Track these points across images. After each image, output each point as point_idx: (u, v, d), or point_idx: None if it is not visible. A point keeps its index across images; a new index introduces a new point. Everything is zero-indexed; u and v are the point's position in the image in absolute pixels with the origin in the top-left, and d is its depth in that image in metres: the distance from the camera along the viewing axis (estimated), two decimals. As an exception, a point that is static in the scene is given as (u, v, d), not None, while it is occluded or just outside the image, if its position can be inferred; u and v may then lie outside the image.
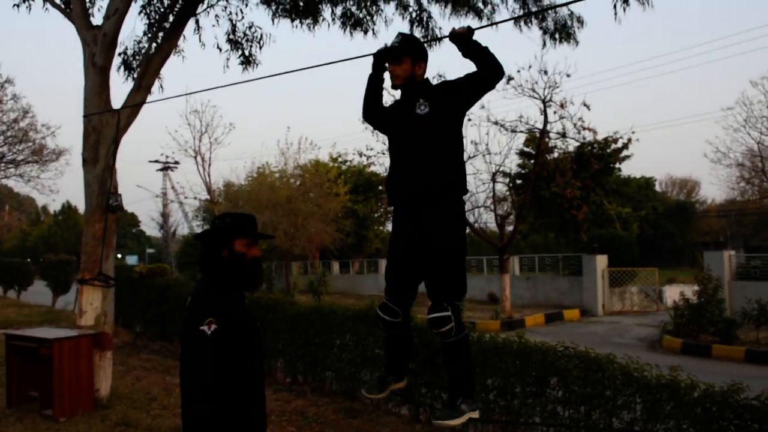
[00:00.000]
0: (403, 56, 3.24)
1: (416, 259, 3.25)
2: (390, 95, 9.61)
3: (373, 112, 3.50)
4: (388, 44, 3.36)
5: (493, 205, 19.14)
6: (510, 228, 19.35)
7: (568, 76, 16.82)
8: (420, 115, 3.18)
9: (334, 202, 28.17)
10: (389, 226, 38.70)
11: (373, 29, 8.49)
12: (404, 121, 3.27)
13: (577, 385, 5.00)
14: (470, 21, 7.82)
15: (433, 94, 3.24)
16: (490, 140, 27.21)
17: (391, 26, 8.24)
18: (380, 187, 34.25)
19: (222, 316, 2.36)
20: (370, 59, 3.48)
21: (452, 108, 3.22)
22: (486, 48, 3.14)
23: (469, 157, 18.39)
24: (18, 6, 8.01)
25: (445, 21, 9.54)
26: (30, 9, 8.11)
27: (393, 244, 3.40)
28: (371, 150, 19.86)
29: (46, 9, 7.87)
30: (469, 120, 18.02)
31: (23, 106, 23.68)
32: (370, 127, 18.33)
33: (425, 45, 3.40)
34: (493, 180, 18.82)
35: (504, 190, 21.64)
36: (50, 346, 6.18)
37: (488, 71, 3.12)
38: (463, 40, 3.14)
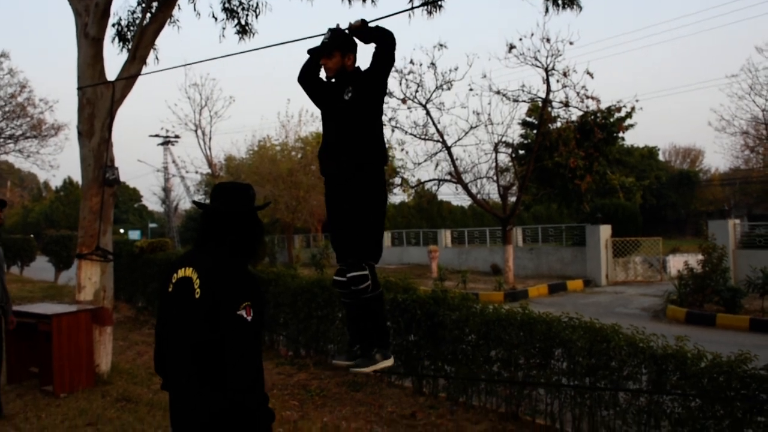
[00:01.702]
0: (333, 51, 3.56)
1: (347, 227, 3.61)
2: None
3: (308, 80, 3.80)
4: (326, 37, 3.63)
5: (495, 176, 19.02)
6: (513, 199, 19.25)
7: (571, 43, 16.59)
8: (346, 101, 3.56)
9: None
10: (392, 198, 38.72)
11: (371, -4, 8.30)
12: (333, 105, 3.65)
13: (582, 356, 4.95)
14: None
15: (358, 81, 3.59)
16: (492, 110, 27.07)
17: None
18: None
19: (255, 298, 2.25)
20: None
21: (371, 90, 3.59)
22: (376, 28, 3.51)
23: (471, 127, 18.25)
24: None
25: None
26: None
27: (327, 212, 3.77)
28: (372, 121, 19.60)
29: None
30: (471, 90, 17.88)
31: (20, 80, 23.44)
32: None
33: (352, 38, 3.63)
34: (496, 150, 18.68)
35: (506, 161, 21.43)
36: (49, 322, 6.14)
37: (384, 46, 3.49)
38: (360, 30, 3.51)
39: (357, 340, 3.78)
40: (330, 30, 3.60)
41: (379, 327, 3.64)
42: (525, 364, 5.45)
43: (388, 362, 3.57)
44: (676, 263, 19.88)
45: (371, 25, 3.54)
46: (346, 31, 3.57)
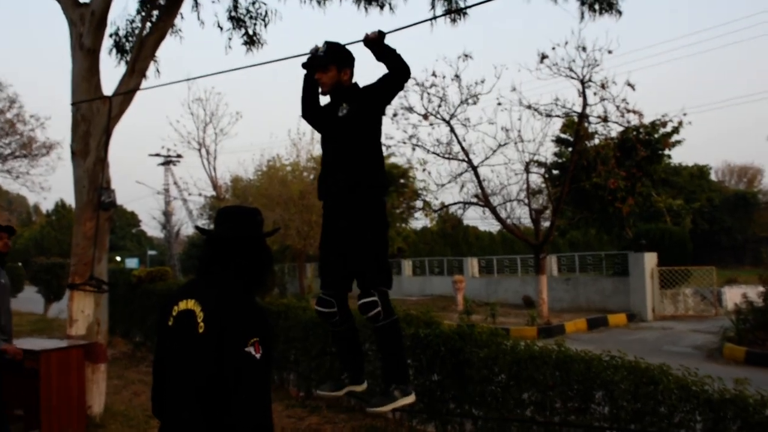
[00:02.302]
0: (329, 65, 3.67)
1: (343, 253, 3.70)
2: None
3: (310, 111, 3.94)
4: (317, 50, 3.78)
5: (527, 199, 18.94)
6: (546, 224, 19.16)
7: (610, 52, 16.54)
8: (340, 117, 3.68)
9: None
10: (413, 223, 38.76)
11: (390, 3, 8.41)
12: (329, 123, 3.79)
13: (626, 399, 4.86)
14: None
15: (355, 98, 3.70)
16: (523, 126, 27.07)
17: (409, 0, 8.14)
18: (401, 180, 34.20)
19: (264, 334, 2.25)
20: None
21: (370, 110, 3.70)
22: (394, 51, 3.58)
23: (500, 145, 18.24)
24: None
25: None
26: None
27: (322, 239, 3.86)
28: (391, 139, 19.79)
29: (30, -14, 7.85)
30: (499, 104, 17.90)
31: (9, 95, 23.89)
32: (389, 115, 18.21)
33: (350, 52, 3.75)
34: (527, 170, 18.61)
35: (539, 182, 21.37)
36: (37, 359, 6.15)
37: (396, 73, 3.60)
38: (376, 44, 3.57)
39: (347, 369, 3.92)
40: (326, 43, 3.71)
41: (396, 360, 3.66)
42: (561, 407, 5.36)
43: (409, 399, 3.58)
44: (732, 295, 19.57)
45: (395, 49, 3.60)
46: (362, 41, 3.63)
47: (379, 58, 3.61)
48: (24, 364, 6.27)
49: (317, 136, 23.31)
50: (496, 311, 17.69)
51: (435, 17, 7.53)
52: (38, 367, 6.15)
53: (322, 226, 3.89)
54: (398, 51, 3.61)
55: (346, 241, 3.66)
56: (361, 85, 3.84)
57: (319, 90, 3.84)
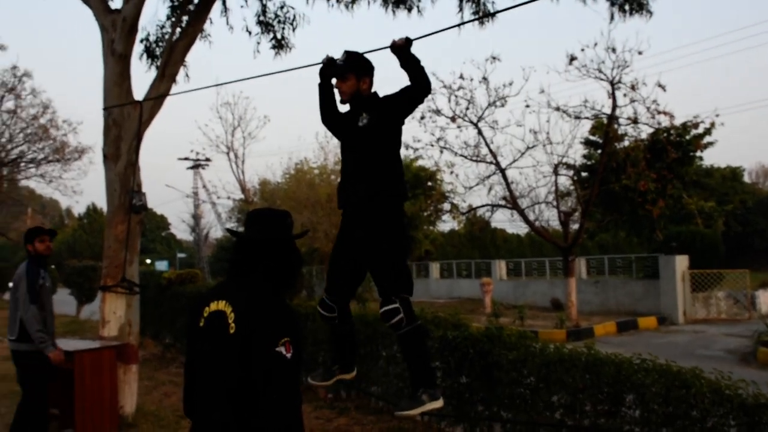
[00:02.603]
0: (348, 74, 3.71)
1: (356, 261, 3.79)
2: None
3: (329, 117, 4.00)
4: (332, 56, 3.86)
5: (555, 201, 18.81)
6: (575, 226, 18.99)
7: (640, 53, 16.36)
8: (360, 127, 3.71)
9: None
10: (440, 226, 38.68)
11: (417, 6, 8.42)
12: (348, 132, 3.83)
13: (657, 403, 4.80)
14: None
15: (374, 107, 3.73)
16: (551, 128, 26.81)
17: (437, 3, 8.13)
18: (429, 183, 34.12)
19: (294, 334, 2.26)
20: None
21: (389, 121, 3.72)
22: (419, 62, 3.61)
23: (528, 147, 18.15)
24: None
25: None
26: (46, -7, 8.26)
27: (335, 246, 3.93)
28: (418, 141, 19.70)
29: (63, -7, 7.99)
30: (528, 107, 17.81)
31: (43, 101, 24.30)
32: (416, 117, 18.21)
33: (369, 61, 3.80)
34: (556, 173, 18.49)
35: (568, 184, 21.19)
36: (71, 360, 6.25)
37: (417, 87, 3.63)
38: (402, 51, 3.59)
39: (338, 360, 4.02)
40: (345, 52, 3.76)
41: (422, 364, 3.66)
42: (591, 410, 5.31)
43: (437, 403, 3.59)
44: (766, 299, 19.27)
45: (419, 60, 3.63)
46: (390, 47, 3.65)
47: (403, 65, 3.63)
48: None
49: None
50: (524, 314, 17.59)
51: (463, 23, 7.52)
52: (72, 368, 6.25)
53: (338, 234, 3.94)
54: (422, 61, 3.63)
55: (363, 251, 3.71)
56: (381, 94, 3.87)
57: (338, 98, 3.89)
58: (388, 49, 3.68)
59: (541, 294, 24.10)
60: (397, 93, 3.71)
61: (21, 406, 5.85)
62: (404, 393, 6.92)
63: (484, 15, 7.94)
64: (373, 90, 3.84)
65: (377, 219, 3.66)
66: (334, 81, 3.87)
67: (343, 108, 3.96)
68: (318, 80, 3.98)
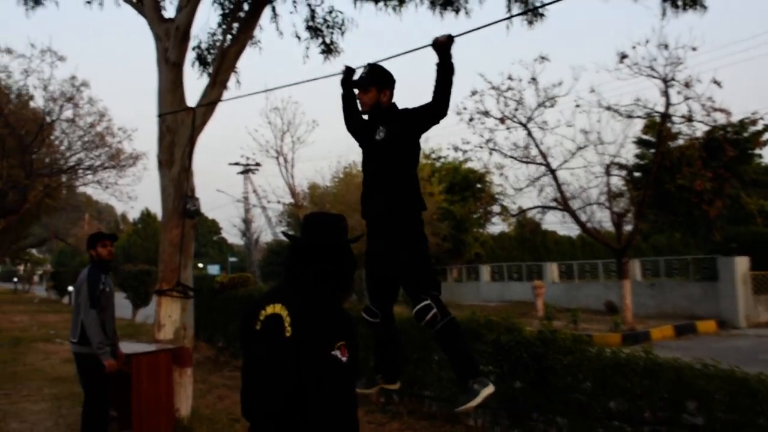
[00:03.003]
0: (369, 86, 3.82)
1: (387, 268, 3.85)
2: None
3: (353, 124, 4.10)
4: (350, 66, 4.04)
5: (608, 202, 18.51)
6: (629, 228, 18.64)
7: (694, 49, 16.01)
8: (377, 141, 3.80)
9: (428, 203, 27.94)
10: (490, 228, 38.42)
11: (465, 8, 8.37)
12: (367, 145, 3.95)
13: (721, 410, 4.67)
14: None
15: (393, 120, 3.81)
16: (603, 128, 26.44)
17: (485, 4, 8.05)
18: (478, 185, 33.93)
19: (350, 338, 2.26)
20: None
21: (406, 135, 3.80)
22: (452, 74, 3.65)
23: (579, 148, 17.90)
24: (90, 2, 8.37)
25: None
26: (102, 4, 8.46)
27: (367, 255, 3.99)
28: (467, 144, 19.65)
29: (118, 4, 8.20)
30: (578, 106, 17.58)
31: (99, 109, 24.89)
32: (465, 120, 18.15)
33: (390, 74, 3.88)
34: (608, 173, 18.21)
35: (620, 185, 20.88)
36: (128, 363, 6.37)
37: (436, 108, 3.69)
38: (443, 48, 3.62)
39: (381, 369, 4.08)
40: (368, 64, 3.88)
41: (464, 355, 3.72)
42: (651, 417, 5.20)
43: (489, 389, 3.59)
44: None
45: (454, 69, 3.68)
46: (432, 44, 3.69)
47: (439, 63, 3.66)
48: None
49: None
50: (577, 317, 17.33)
51: (511, 16, 7.45)
52: (130, 371, 6.37)
53: (366, 242, 4.01)
54: (457, 71, 3.67)
55: (385, 262, 3.82)
56: (401, 106, 3.94)
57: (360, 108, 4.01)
58: (430, 48, 3.69)
59: (595, 297, 23.71)
60: (416, 109, 3.79)
61: (85, 408, 5.98)
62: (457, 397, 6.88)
63: (531, 9, 7.85)
64: (393, 101, 3.92)
65: (396, 231, 3.77)
66: (356, 91, 3.98)
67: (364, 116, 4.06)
68: (341, 90, 4.11)
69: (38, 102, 22.77)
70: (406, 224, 3.81)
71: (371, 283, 4.02)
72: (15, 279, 59.40)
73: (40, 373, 10.65)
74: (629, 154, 28.50)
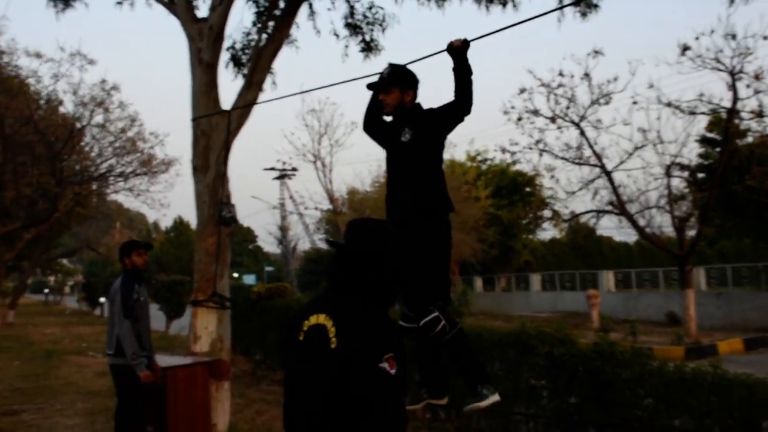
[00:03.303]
0: (391, 87, 3.92)
1: (409, 272, 3.81)
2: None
3: (371, 126, 4.18)
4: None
5: (668, 206, 18.23)
6: (692, 232, 18.33)
7: (765, 38, 15.69)
8: (403, 142, 3.89)
9: (473, 208, 27.98)
10: (540, 234, 38.13)
11: (513, 1, 8.35)
12: (392, 146, 4.03)
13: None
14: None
15: (417, 121, 3.90)
16: (663, 126, 26.07)
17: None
18: (527, 189, 33.71)
19: (398, 350, 2.26)
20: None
21: (431, 135, 3.89)
22: (470, 74, 3.77)
23: (636, 148, 17.69)
24: (120, 3, 8.57)
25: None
26: (133, 5, 8.66)
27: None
28: (516, 145, 19.61)
29: (149, 4, 8.38)
30: (635, 103, 17.36)
31: (130, 114, 25.37)
32: (513, 119, 18.08)
33: (413, 74, 3.99)
34: (668, 174, 17.95)
35: (682, 187, 20.55)
36: (164, 375, 6.47)
37: (459, 105, 3.78)
38: (458, 53, 3.74)
39: (426, 383, 4.05)
40: (390, 65, 3.99)
41: (473, 363, 3.89)
42: (719, 437, 5.10)
43: (496, 397, 3.76)
44: None
45: (471, 71, 3.79)
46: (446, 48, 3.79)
47: (456, 68, 3.77)
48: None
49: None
50: (636, 329, 17.08)
51: (563, 6, 7.42)
52: (165, 384, 6.46)
53: None
54: (473, 75, 3.78)
55: (409, 263, 3.80)
56: (425, 106, 4.01)
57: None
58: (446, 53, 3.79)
59: (655, 307, 23.34)
60: (439, 108, 3.88)
61: (118, 420, 6.09)
62: (508, 414, 6.86)
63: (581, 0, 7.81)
64: (417, 101, 4.01)
65: (421, 233, 3.81)
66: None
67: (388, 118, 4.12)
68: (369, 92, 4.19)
69: (68, 107, 23.35)
70: (433, 226, 3.86)
71: (404, 287, 3.99)
72: (46, 290, 60.85)
73: (73, 386, 10.89)
74: (692, 153, 28.05)
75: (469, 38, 3.76)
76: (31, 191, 21.08)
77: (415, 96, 3.99)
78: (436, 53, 3.92)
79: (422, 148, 3.88)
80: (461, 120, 3.87)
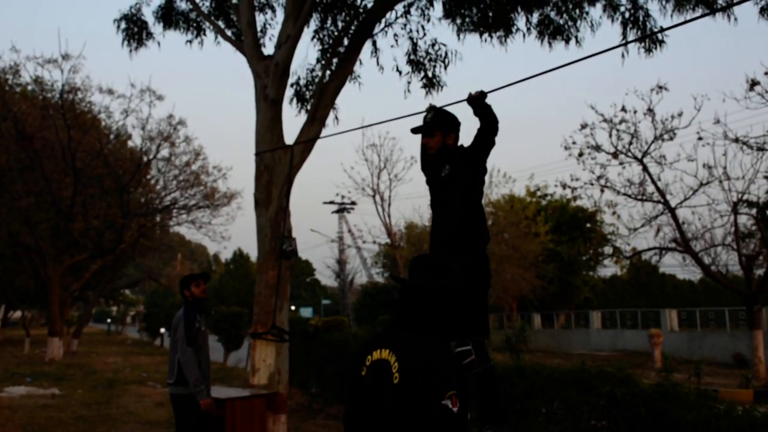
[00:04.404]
0: (435, 131, 4.10)
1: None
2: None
3: (426, 165, 4.34)
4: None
5: (735, 243, 17.78)
6: (760, 271, 17.81)
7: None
8: (443, 177, 4.10)
9: (533, 244, 27.73)
10: (601, 271, 37.49)
11: (576, 37, 8.38)
12: (434, 183, 4.22)
13: None
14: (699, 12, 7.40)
15: (456, 157, 4.10)
16: (729, 162, 25.46)
17: (598, 31, 8.01)
18: (587, 225, 33.26)
19: (461, 387, 2.24)
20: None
21: (467, 167, 4.06)
22: (490, 108, 4.02)
23: (702, 184, 17.34)
24: (191, 42, 8.87)
25: (666, 19, 9.03)
26: (202, 44, 8.95)
27: None
28: (576, 180, 19.36)
29: (218, 43, 8.67)
30: (700, 139, 17.07)
31: (195, 147, 26.03)
32: (574, 155, 17.96)
33: (454, 117, 4.15)
34: (735, 212, 17.54)
35: (750, 224, 19.99)
36: (222, 407, 6.54)
37: (486, 125, 4.00)
38: (477, 102, 4.00)
39: (487, 419, 4.02)
40: (432, 108, 4.18)
41: (491, 403, 3.91)
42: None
43: None
44: None
45: (491, 107, 4.03)
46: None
47: (476, 113, 4.02)
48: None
49: (495, 179, 23.49)
50: (701, 370, 16.58)
51: (626, 42, 7.39)
52: (223, 415, 6.53)
53: None
54: (493, 113, 4.01)
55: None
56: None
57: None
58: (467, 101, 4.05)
59: (721, 348, 22.64)
60: (472, 140, 4.07)
61: None
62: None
63: (649, 35, 7.76)
64: (460, 144, 4.17)
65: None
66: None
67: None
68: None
69: (136, 141, 24.12)
70: (474, 259, 3.95)
71: None
72: (108, 320, 62.25)
73: (134, 416, 11.07)
74: (760, 190, 27.25)
75: (512, 80, 3.97)
76: (99, 223, 21.71)
77: (457, 138, 4.16)
78: (457, 102, 4.17)
79: (459, 180, 4.03)
80: (492, 139, 4.04)
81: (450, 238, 3.99)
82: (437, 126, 4.10)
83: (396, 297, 2.57)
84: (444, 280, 2.50)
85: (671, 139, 17.42)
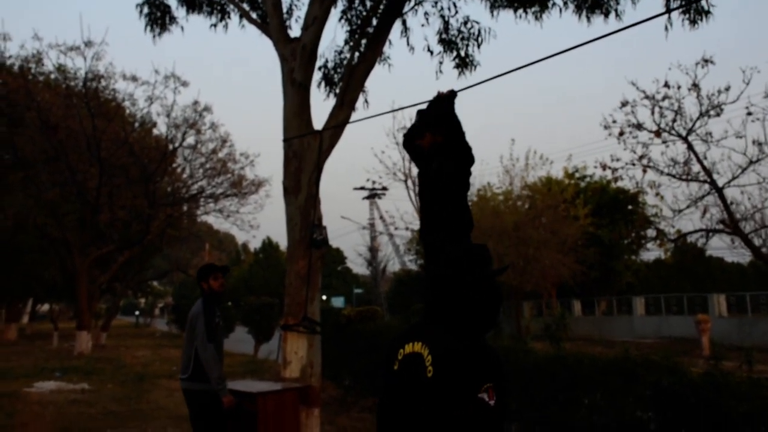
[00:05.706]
0: (423, 132, 4.22)
1: None
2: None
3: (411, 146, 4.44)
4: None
5: (787, 224, 17.47)
6: (814, 253, 17.49)
7: None
8: (432, 169, 4.15)
9: (572, 228, 27.50)
10: (644, 255, 37.07)
11: (616, 10, 8.24)
12: (423, 175, 4.27)
13: None
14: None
15: (444, 152, 4.14)
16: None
17: (639, 4, 7.85)
18: (629, 207, 32.89)
19: (498, 379, 2.23)
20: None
21: (453, 163, 4.12)
22: (455, 117, 4.14)
23: (751, 162, 17.04)
24: (215, 26, 8.90)
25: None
26: (227, 28, 8.97)
27: None
28: (617, 160, 19.10)
29: (243, 26, 8.70)
30: (750, 114, 16.76)
31: (221, 134, 26.12)
32: (614, 134, 17.73)
33: (438, 114, 4.20)
34: (787, 190, 17.21)
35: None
36: (253, 401, 6.56)
37: (456, 135, 4.10)
38: (443, 103, 4.12)
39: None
40: (418, 112, 4.32)
41: None
42: None
43: None
44: None
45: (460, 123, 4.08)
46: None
47: (441, 114, 4.12)
48: (242, 405, 6.74)
49: (532, 161, 23.30)
50: (752, 357, 16.35)
51: (669, 10, 7.25)
52: (255, 410, 6.56)
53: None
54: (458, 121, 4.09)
55: None
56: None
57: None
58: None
59: (775, 335, 22.33)
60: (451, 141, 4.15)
61: None
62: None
63: (692, 1, 7.62)
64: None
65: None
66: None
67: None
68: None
69: (161, 129, 24.30)
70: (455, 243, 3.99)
71: None
72: (137, 312, 63.11)
73: (164, 411, 11.22)
74: (812, 167, 26.81)
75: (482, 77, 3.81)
76: (125, 213, 21.93)
77: (445, 133, 4.23)
78: (424, 102, 4.26)
79: (447, 172, 4.09)
80: (462, 142, 4.11)
81: (440, 227, 4.03)
82: (424, 127, 4.24)
83: (428, 289, 2.54)
84: (476, 271, 2.47)
85: (718, 115, 17.12)
